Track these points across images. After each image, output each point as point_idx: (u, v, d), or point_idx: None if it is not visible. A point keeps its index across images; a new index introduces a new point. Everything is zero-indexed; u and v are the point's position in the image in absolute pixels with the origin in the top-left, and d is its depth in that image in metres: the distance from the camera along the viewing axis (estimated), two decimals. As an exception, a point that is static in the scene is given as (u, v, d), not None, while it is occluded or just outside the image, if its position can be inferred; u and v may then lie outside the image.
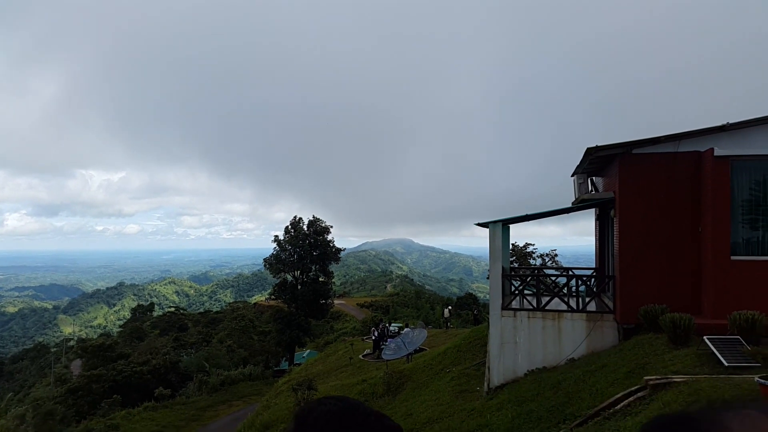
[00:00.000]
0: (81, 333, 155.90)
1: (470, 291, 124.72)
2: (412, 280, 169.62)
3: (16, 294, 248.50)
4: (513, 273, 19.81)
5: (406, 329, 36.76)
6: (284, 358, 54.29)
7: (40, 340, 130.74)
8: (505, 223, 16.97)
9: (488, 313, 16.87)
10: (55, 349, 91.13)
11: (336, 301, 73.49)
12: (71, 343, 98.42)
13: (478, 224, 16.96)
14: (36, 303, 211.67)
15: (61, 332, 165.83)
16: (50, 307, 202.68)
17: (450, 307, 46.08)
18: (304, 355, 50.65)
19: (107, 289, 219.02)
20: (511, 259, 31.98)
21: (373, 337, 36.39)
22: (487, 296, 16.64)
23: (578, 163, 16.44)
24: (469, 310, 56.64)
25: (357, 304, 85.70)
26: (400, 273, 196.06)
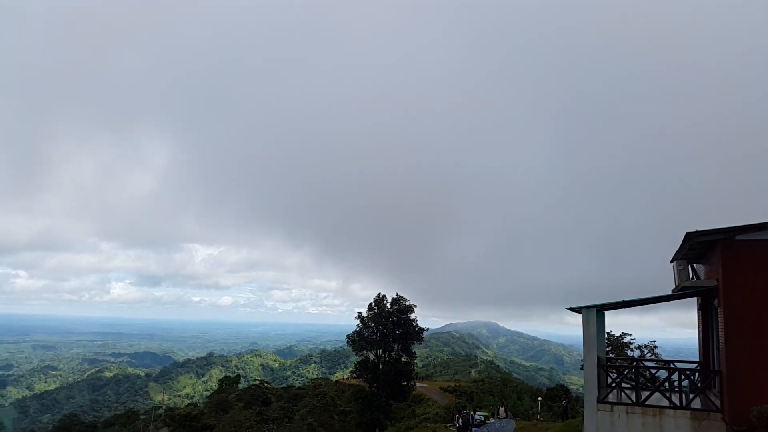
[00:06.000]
0: (169, 401, 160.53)
1: (561, 382, 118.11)
2: (498, 366, 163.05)
3: (113, 360, 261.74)
4: (609, 364, 18.71)
5: (491, 420, 35.22)
6: (364, 440, 53.05)
7: (131, 406, 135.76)
8: (600, 309, 16.25)
9: (581, 407, 15.90)
10: (144, 416, 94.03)
11: (418, 384, 71.70)
12: (160, 411, 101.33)
13: (571, 309, 16.36)
14: (130, 370, 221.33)
15: (151, 400, 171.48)
16: (143, 374, 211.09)
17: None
18: (384, 439, 49.28)
19: (197, 359, 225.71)
20: (607, 349, 30.31)
21: (457, 425, 34.98)
22: (580, 389, 15.78)
23: (678, 248, 15.69)
24: (559, 402, 53.48)
25: (440, 388, 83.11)
26: (485, 358, 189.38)
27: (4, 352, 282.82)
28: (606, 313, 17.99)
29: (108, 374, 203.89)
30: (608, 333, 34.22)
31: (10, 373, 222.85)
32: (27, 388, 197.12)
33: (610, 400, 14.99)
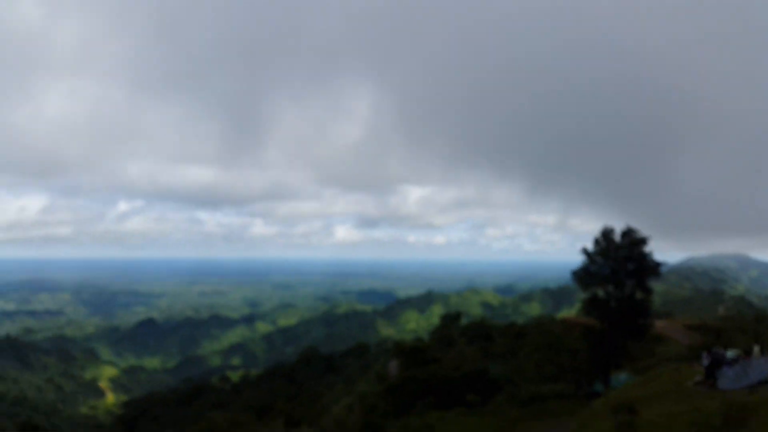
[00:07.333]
0: (396, 336, 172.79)
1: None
2: (751, 302, 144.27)
3: (342, 297, 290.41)
4: None
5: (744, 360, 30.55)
6: (597, 380, 50.42)
7: (362, 340, 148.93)
8: None
9: None
10: (374, 349, 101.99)
11: (657, 322, 65.90)
12: (387, 345, 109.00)
13: None
14: (358, 306, 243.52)
15: (378, 334, 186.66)
16: (369, 310, 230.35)
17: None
18: (620, 378, 46.32)
19: (418, 296, 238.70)
20: None
21: (705, 363, 31.05)
22: None
23: None
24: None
25: (684, 325, 75.63)
26: (734, 293, 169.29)
27: (250, 292, 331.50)
28: None
29: (339, 311, 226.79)
30: None
31: (257, 310, 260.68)
32: (271, 323, 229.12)
33: None
